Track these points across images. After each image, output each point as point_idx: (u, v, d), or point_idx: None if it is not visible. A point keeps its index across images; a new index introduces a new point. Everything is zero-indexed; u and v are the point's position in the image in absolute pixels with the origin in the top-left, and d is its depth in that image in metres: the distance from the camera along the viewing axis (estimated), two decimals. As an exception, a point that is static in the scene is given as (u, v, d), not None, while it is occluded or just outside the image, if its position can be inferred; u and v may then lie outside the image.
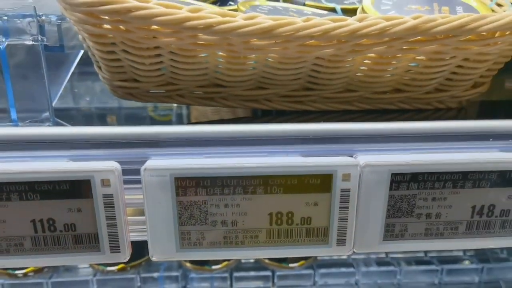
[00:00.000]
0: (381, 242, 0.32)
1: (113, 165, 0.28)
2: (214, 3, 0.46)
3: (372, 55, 0.34)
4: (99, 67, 0.38)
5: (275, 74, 0.36)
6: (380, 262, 0.65)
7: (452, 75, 0.38)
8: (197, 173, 0.29)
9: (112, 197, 0.28)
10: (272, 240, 0.31)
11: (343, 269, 0.63)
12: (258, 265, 0.64)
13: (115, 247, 0.30)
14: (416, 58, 0.35)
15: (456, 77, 0.38)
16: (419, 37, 0.32)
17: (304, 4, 0.46)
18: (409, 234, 0.32)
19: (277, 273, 0.62)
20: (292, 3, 0.47)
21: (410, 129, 0.31)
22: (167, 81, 0.37)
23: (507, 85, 0.52)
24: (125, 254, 0.30)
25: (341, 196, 0.30)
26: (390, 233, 0.32)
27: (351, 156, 0.30)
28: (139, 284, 0.61)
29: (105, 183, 0.28)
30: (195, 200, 0.29)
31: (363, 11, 0.40)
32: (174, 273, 0.62)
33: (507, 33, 0.33)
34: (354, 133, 0.31)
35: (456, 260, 0.65)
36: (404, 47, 0.33)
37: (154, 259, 0.31)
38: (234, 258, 0.61)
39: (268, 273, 0.62)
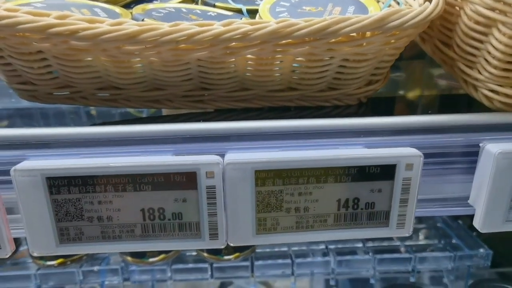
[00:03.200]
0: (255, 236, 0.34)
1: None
2: (128, 5, 0.47)
3: (251, 56, 0.36)
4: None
5: (164, 76, 0.37)
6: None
7: (338, 74, 0.39)
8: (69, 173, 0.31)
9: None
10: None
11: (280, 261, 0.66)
12: (197, 257, 0.66)
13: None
14: (297, 59, 0.37)
15: (343, 76, 0.39)
16: (289, 40, 0.33)
17: (214, 5, 0.47)
18: (281, 228, 0.34)
19: (215, 265, 0.64)
20: (204, 4, 0.49)
21: (275, 128, 0.33)
22: (64, 84, 0.39)
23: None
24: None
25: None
26: (263, 226, 0.34)
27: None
28: (81, 277, 0.63)
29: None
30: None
31: (259, 15, 0.41)
32: (115, 266, 0.64)
33: (377, 33, 0.34)
34: (226, 132, 0.33)
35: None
36: (278, 49, 0.34)
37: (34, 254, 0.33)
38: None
39: (206, 265, 0.64)
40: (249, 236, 0.33)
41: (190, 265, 0.64)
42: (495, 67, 0.35)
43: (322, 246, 0.70)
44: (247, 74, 0.38)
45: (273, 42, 0.33)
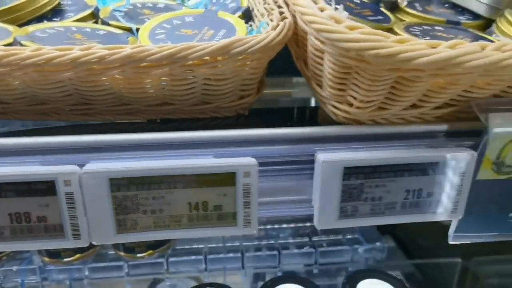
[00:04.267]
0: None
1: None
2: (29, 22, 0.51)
3: (118, 76, 0.40)
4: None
5: (43, 93, 0.41)
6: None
7: (206, 91, 0.44)
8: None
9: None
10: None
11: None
12: (114, 256, 0.70)
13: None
14: (163, 78, 0.41)
15: (210, 92, 0.44)
16: (150, 63, 0.38)
17: (108, 24, 0.51)
18: (140, 227, 0.39)
19: (130, 263, 0.68)
20: (102, 22, 0.53)
21: (130, 140, 0.38)
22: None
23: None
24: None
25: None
26: (123, 226, 0.38)
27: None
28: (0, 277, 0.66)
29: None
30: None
31: (139, 38, 0.46)
32: (33, 266, 0.67)
33: (225, 57, 0.39)
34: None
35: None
36: (140, 71, 0.39)
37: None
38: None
39: (122, 263, 0.68)
40: (111, 235, 0.38)
41: (106, 264, 0.68)
42: (331, 87, 0.41)
43: (237, 243, 0.75)
44: (122, 91, 0.42)
45: (131, 65, 0.37)
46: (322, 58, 0.40)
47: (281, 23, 0.42)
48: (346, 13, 0.37)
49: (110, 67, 0.37)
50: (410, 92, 0.38)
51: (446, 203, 0.42)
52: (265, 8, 0.52)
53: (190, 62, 0.38)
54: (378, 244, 0.73)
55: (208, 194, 0.38)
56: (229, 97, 0.46)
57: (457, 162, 0.40)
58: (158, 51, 0.36)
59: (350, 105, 0.41)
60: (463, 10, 0.57)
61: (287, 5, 0.50)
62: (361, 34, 0.33)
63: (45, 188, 0.35)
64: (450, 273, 0.88)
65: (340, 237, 0.77)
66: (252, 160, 0.37)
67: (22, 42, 0.40)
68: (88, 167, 0.35)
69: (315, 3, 0.38)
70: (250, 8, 0.58)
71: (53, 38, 0.44)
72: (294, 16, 0.45)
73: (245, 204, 0.38)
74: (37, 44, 0.41)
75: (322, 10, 0.36)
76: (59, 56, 0.35)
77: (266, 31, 0.41)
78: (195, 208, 0.38)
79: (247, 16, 0.57)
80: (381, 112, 0.41)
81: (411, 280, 0.87)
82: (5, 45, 0.42)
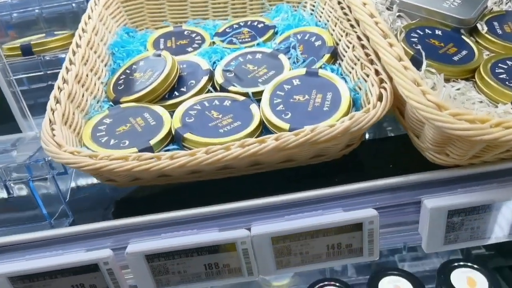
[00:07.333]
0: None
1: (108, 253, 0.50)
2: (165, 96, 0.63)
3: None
4: None
5: (206, 169, 0.54)
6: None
7: (323, 150, 0.54)
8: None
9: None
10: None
11: None
12: None
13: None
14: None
15: (327, 149, 0.55)
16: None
17: (227, 90, 0.62)
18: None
19: None
20: (219, 87, 0.63)
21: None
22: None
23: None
24: None
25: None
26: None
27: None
28: None
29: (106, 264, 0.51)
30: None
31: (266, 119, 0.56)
32: None
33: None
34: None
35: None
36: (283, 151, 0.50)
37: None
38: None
39: None
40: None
41: None
42: (431, 144, 0.49)
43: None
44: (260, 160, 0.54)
45: (277, 150, 0.48)
46: (422, 123, 0.49)
47: (384, 94, 0.50)
48: (444, 90, 0.45)
49: (262, 154, 0.48)
50: (500, 148, 0.46)
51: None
52: (354, 56, 0.60)
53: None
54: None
55: (342, 238, 0.50)
56: (339, 149, 0.56)
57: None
58: (295, 139, 0.47)
59: (447, 155, 0.50)
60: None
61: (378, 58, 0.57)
62: (466, 122, 0.41)
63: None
64: None
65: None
66: (374, 212, 0.48)
67: (184, 136, 0.53)
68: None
69: (417, 83, 0.45)
70: (334, 45, 0.67)
71: (200, 121, 0.56)
72: (390, 79, 0.53)
73: (369, 242, 0.50)
74: (194, 135, 0.53)
75: (424, 93, 0.44)
76: (227, 155, 0.47)
77: (373, 104, 0.50)
78: (332, 248, 0.51)
79: (334, 55, 0.66)
80: (475, 159, 0.50)
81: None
82: (165, 136, 0.55)
